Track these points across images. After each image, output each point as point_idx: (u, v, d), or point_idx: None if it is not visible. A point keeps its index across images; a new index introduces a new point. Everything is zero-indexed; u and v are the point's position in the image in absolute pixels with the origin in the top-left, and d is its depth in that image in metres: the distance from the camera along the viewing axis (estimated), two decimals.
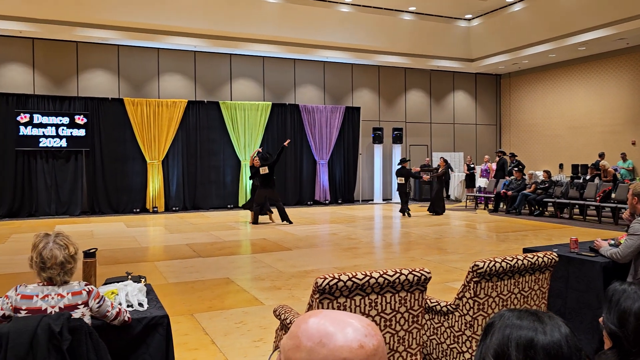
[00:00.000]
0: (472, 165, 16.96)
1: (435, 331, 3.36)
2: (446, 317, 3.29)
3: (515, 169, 14.31)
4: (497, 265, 3.13)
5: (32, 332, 1.95)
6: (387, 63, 17.39)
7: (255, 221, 11.59)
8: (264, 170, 11.34)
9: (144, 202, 14.55)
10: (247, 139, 15.61)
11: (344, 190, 17.09)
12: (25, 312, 2.12)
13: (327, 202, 16.55)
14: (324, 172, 16.59)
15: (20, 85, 13.55)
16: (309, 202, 16.50)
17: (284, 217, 11.58)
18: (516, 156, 16.08)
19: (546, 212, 13.30)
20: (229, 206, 15.47)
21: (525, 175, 14.10)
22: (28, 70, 13.65)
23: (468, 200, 16.05)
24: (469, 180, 16.85)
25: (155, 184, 14.55)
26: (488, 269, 3.11)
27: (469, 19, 17.22)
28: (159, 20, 13.73)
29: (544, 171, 13.76)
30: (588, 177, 13.98)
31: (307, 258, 7.62)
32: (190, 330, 4.35)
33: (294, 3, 14.72)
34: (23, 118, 13.26)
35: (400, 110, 18.31)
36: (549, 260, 3.33)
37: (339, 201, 16.87)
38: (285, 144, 12.10)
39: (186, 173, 15.04)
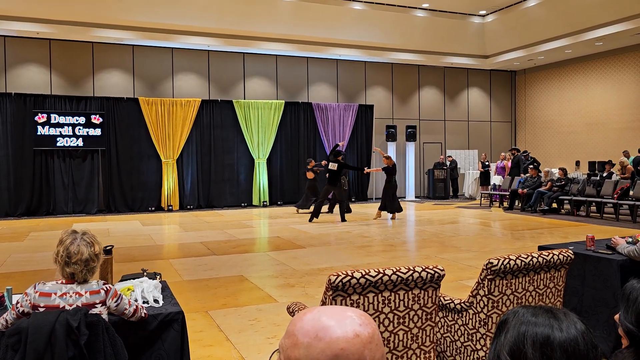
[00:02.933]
0: (486, 163, 16.84)
1: (449, 329, 3.35)
2: (460, 315, 3.28)
3: (531, 166, 14.17)
4: (512, 262, 3.11)
5: (50, 327, 1.99)
6: (400, 60, 17.32)
7: (316, 215, 11.71)
8: (333, 166, 11.63)
9: (159, 201, 14.68)
10: (260, 137, 15.67)
11: (357, 188, 17.07)
12: (44, 309, 2.16)
13: None
14: None
15: (38, 85, 13.74)
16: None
17: (342, 214, 11.88)
18: (529, 153, 15.93)
19: (562, 210, 13.16)
20: (242, 204, 15.54)
21: (541, 172, 13.97)
22: (45, 70, 13.84)
23: (482, 198, 15.94)
24: (484, 178, 16.74)
25: (170, 183, 14.67)
26: (502, 266, 3.09)
27: (484, 15, 17.08)
28: (173, 20, 13.83)
29: (560, 168, 13.61)
30: (605, 174, 13.80)
31: (320, 256, 7.63)
32: (205, 327, 4.38)
33: (307, 1, 14.72)
34: (40, 118, 13.46)
35: (414, 108, 18.23)
36: (565, 258, 3.30)
37: (353, 199, 16.85)
38: (367, 170, 13.07)
39: (200, 171, 15.14)
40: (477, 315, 3.17)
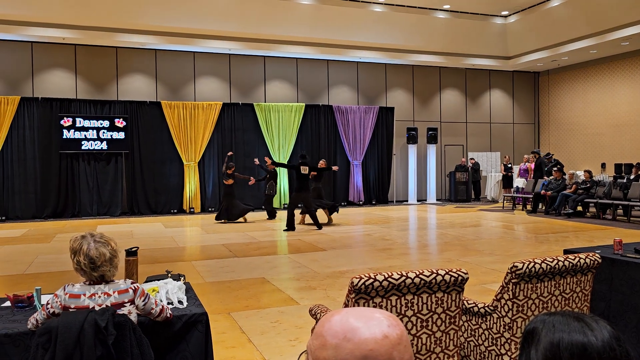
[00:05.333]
0: (509, 165, 16.64)
1: (472, 333, 3.32)
2: (484, 319, 3.24)
3: (555, 168, 13.95)
4: (537, 266, 3.06)
5: (79, 326, 2.03)
6: (421, 62, 17.23)
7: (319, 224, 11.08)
8: (304, 170, 10.95)
9: (181, 203, 14.84)
10: (281, 140, 15.73)
11: (378, 191, 17.01)
12: (74, 310, 2.20)
13: (361, 202, 16.52)
14: (357, 173, 16.56)
15: (64, 90, 14.03)
16: (342, 203, 16.49)
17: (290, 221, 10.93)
18: (552, 155, 15.69)
19: (587, 213, 12.92)
20: (263, 207, 15.59)
21: (565, 174, 13.74)
22: (71, 75, 14.12)
23: (505, 201, 15.74)
24: (506, 181, 16.54)
25: (191, 185, 14.82)
26: (527, 270, 3.05)
27: (506, 16, 16.90)
28: (194, 25, 13.99)
29: (585, 171, 13.36)
30: (632, 176, 13.50)
31: (341, 259, 7.62)
32: (228, 329, 4.41)
33: (326, 4, 14.76)
34: (66, 122, 13.73)
35: (435, 110, 18.11)
36: (592, 262, 3.24)
37: (373, 202, 16.80)
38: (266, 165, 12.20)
39: (221, 174, 15.24)
40: (501, 319, 3.13)
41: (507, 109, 19.22)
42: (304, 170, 10.85)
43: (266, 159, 13.04)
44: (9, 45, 13.55)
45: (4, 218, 13.31)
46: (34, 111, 13.62)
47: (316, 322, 3.30)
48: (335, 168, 12.91)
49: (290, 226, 10.75)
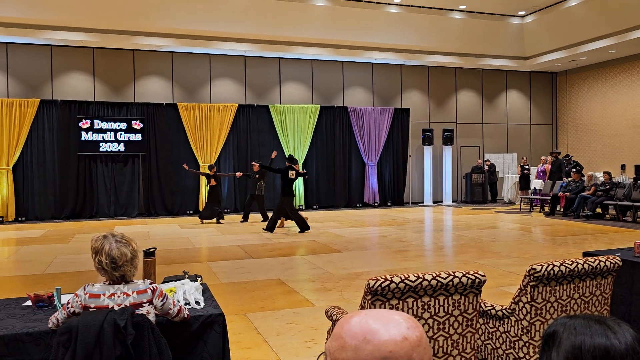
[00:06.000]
0: (526, 167, 16.47)
1: (490, 336, 3.29)
2: (501, 322, 3.21)
3: (574, 170, 13.77)
4: (556, 269, 3.03)
5: (99, 326, 2.06)
6: (437, 63, 17.15)
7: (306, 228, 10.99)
8: (292, 174, 10.75)
9: (196, 204, 14.94)
10: (296, 141, 15.77)
11: (394, 193, 16.95)
12: (94, 310, 2.23)
13: (376, 204, 16.48)
14: (373, 174, 16.53)
15: (82, 92, 14.22)
16: (358, 205, 16.47)
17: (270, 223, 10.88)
18: (572, 157, 15.49)
19: (607, 216, 12.73)
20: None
21: (584, 176, 13.56)
22: (89, 78, 14.31)
23: (522, 203, 15.57)
24: (523, 182, 16.37)
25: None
26: (546, 272, 3.02)
27: (523, 16, 16.74)
28: (210, 27, 14.10)
29: (605, 172, 13.17)
30: None
31: (356, 260, 7.61)
32: (244, 330, 4.43)
33: (341, 6, 14.76)
34: (84, 124, 13.91)
35: (451, 111, 18.00)
36: (612, 265, 3.19)
37: (388, 203, 16.75)
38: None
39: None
40: (519, 322, 3.10)
41: (524, 109, 19.03)
42: (292, 174, 10.74)
43: (253, 163, 12.80)
44: (29, 48, 13.78)
45: (23, 219, 13.53)
46: (53, 113, 13.83)
47: (332, 324, 3.29)
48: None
49: (304, 226, 10.74)
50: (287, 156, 11.68)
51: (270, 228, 10.83)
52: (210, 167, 12.73)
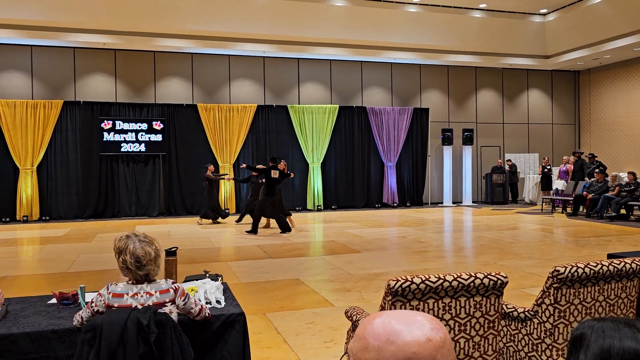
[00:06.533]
0: (547, 167, 16.23)
1: (512, 338, 3.25)
2: (524, 324, 3.17)
3: (597, 170, 13.54)
4: (580, 270, 2.98)
5: (122, 324, 2.08)
6: (456, 62, 17.01)
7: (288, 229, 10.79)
8: (275, 174, 10.62)
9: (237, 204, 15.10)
10: (314, 141, 15.78)
11: (413, 193, 16.86)
12: (117, 309, 2.26)
13: (395, 204, 16.40)
14: (391, 175, 16.46)
15: (104, 94, 14.44)
16: (376, 205, 16.42)
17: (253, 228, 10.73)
18: (596, 157, 15.22)
19: (631, 217, 12.48)
20: (297, 208, 15.69)
21: (607, 176, 13.31)
22: (110, 79, 14.52)
23: (544, 204, 15.36)
24: (545, 182, 16.14)
25: (226, 187, 15.02)
26: (570, 274, 2.97)
27: (544, 14, 16.51)
28: (229, 28, 14.19)
29: (629, 172, 12.91)
30: None
31: (376, 261, 7.59)
32: (263, 329, 4.45)
33: (360, 5, 14.73)
34: (106, 125, 14.12)
35: (471, 111, 17.84)
36: (638, 267, 3.13)
37: (407, 204, 16.67)
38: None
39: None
40: (542, 324, 3.05)
41: (546, 109, 18.77)
42: (274, 174, 10.59)
43: (243, 165, 12.67)
44: (53, 51, 14.03)
45: (47, 218, 13.78)
46: (76, 114, 14.07)
47: (352, 324, 3.29)
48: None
49: (285, 228, 10.65)
50: (270, 157, 11.62)
51: (284, 227, 10.72)
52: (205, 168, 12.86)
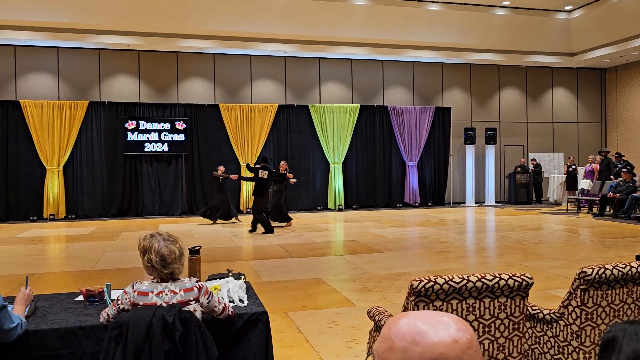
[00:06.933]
0: (573, 166, 15.94)
1: (537, 340, 3.20)
2: (549, 326, 3.12)
3: (624, 169, 13.24)
4: (608, 272, 2.92)
5: (148, 322, 2.11)
6: (479, 61, 16.82)
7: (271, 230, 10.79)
8: (263, 174, 10.69)
9: (237, 203, 15.15)
10: (336, 141, 15.77)
11: (435, 193, 16.73)
12: (143, 306, 2.29)
13: (416, 204, 16.30)
14: (413, 174, 16.36)
15: (128, 94, 14.66)
16: (398, 205, 16.34)
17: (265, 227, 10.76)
18: (623, 156, 14.89)
19: None
20: (318, 208, 15.71)
21: (635, 176, 13.01)
22: (134, 80, 14.74)
23: (569, 204, 15.09)
24: (570, 182, 15.85)
25: (248, 186, 15.10)
26: (597, 276, 2.91)
27: (570, 11, 16.22)
28: (250, 28, 14.27)
29: None
30: None
31: (397, 261, 7.55)
32: (285, 328, 4.46)
33: (381, 4, 14.67)
34: (130, 125, 14.34)
35: (494, 110, 17.62)
36: None
37: (429, 204, 16.54)
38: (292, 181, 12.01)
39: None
40: (568, 327, 3.00)
41: (571, 107, 18.43)
42: (262, 174, 10.70)
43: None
44: (78, 52, 14.30)
45: (73, 216, 14.05)
46: (101, 115, 14.31)
47: (374, 324, 3.27)
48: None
49: (268, 229, 10.63)
50: (261, 157, 11.75)
51: (264, 227, 10.76)
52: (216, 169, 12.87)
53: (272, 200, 11.81)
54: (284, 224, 11.86)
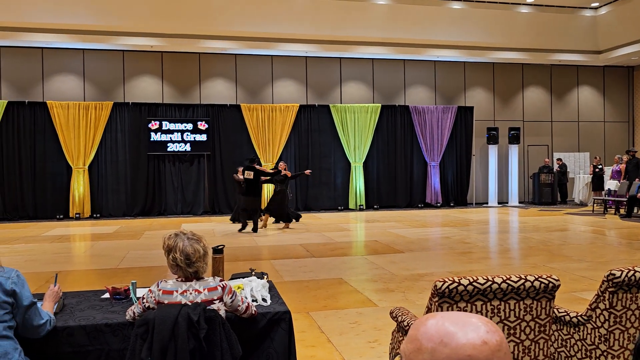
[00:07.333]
0: (599, 166, 15.63)
1: (563, 343, 3.14)
2: (576, 329, 3.06)
3: None
4: (638, 274, 2.85)
5: (173, 320, 2.14)
6: (502, 59, 16.60)
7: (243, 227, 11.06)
8: (248, 174, 10.77)
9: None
10: (356, 141, 15.74)
11: (457, 193, 16.58)
12: (168, 305, 2.32)
13: (438, 204, 16.17)
14: (435, 174, 16.23)
15: (151, 95, 14.86)
16: (419, 205, 16.24)
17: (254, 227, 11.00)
18: None
19: None
20: (339, 208, 15.70)
21: None
22: (158, 81, 14.93)
23: (595, 204, 14.79)
24: (597, 183, 15.54)
25: (269, 186, 15.14)
26: (626, 278, 2.84)
27: (596, 8, 15.90)
28: (271, 29, 14.33)
29: None
30: None
31: (419, 261, 7.50)
32: (307, 328, 4.47)
33: (402, 3, 14.59)
34: (154, 125, 14.53)
35: (518, 109, 17.38)
36: None
37: (451, 204, 16.40)
38: (307, 172, 12.04)
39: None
40: (596, 330, 2.94)
41: (597, 106, 18.07)
42: (248, 175, 10.83)
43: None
44: (103, 54, 14.54)
45: (98, 215, 14.30)
46: (125, 115, 14.54)
47: (397, 325, 3.25)
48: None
49: (242, 228, 10.96)
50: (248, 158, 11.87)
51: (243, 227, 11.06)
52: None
53: (276, 200, 11.68)
54: (282, 224, 11.74)
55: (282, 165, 12.13)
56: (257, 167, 11.14)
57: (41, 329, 2.31)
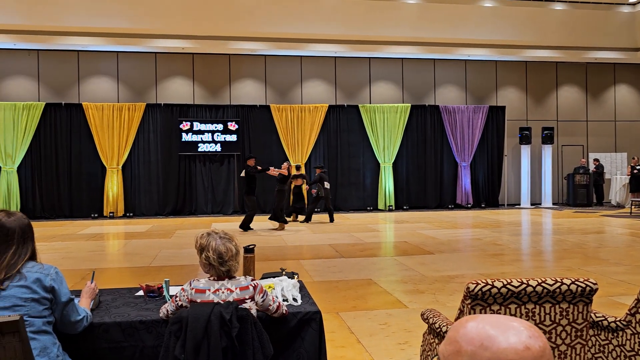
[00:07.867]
0: (638, 167, 15.16)
1: (601, 349, 3.05)
2: (615, 334, 2.97)
3: None
4: None
5: (206, 318, 2.16)
6: (535, 58, 16.26)
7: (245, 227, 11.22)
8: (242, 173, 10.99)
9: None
10: (386, 141, 15.66)
11: (488, 194, 16.32)
12: (201, 303, 2.35)
13: (469, 205, 15.95)
14: (465, 175, 16.01)
15: (183, 96, 15.09)
16: (450, 206, 16.04)
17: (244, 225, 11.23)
18: None
19: None
20: (368, 208, 15.64)
21: None
22: (189, 82, 15.16)
23: (633, 206, 14.35)
24: (634, 184, 15.08)
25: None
26: None
27: (634, 4, 15.43)
28: (301, 29, 14.39)
29: None
30: None
31: (450, 263, 7.41)
32: (337, 328, 4.46)
33: (432, 2, 14.45)
34: (185, 126, 14.75)
35: (551, 108, 17.00)
36: None
37: (482, 205, 16.15)
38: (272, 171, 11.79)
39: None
40: (636, 336, 2.85)
41: (636, 105, 17.53)
42: (242, 174, 11.09)
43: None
44: (136, 56, 14.84)
45: (131, 214, 14.60)
46: (157, 116, 14.81)
47: (428, 327, 3.22)
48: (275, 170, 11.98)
49: (244, 226, 11.20)
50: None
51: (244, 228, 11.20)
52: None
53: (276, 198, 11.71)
54: (277, 224, 11.65)
55: (285, 166, 12.18)
56: (249, 165, 11.26)
57: (78, 324, 2.36)
